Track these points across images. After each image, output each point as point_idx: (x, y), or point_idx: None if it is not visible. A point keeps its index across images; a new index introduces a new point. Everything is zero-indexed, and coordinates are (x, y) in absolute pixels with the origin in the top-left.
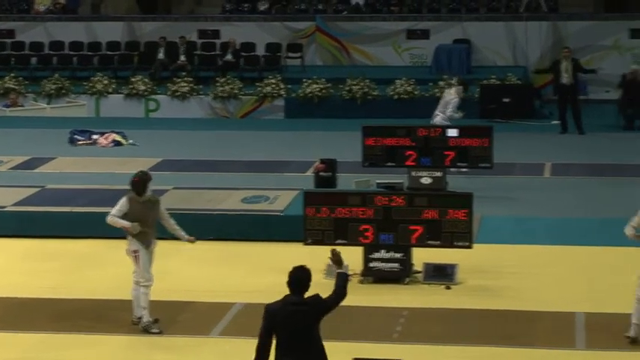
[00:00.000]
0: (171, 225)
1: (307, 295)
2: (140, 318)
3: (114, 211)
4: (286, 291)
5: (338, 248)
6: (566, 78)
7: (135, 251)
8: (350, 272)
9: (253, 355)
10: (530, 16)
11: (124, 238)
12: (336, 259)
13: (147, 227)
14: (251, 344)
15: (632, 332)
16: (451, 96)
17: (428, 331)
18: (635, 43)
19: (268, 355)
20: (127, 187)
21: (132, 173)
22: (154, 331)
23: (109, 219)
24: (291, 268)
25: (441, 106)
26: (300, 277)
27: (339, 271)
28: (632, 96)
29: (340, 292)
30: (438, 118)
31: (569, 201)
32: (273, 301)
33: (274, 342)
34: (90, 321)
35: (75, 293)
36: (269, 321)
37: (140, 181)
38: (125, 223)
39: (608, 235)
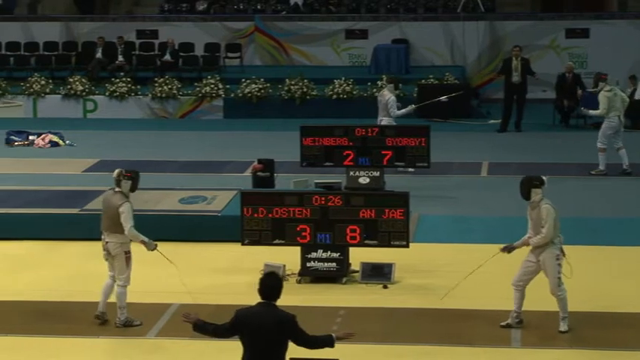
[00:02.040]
0: None
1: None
2: (118, 317)
3: (132, 222)
4: (221, 290)
5: (275, 247)
6: (516, 76)
7: (127, 252)
8: (288, 272)
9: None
10: (467, 16)
11: (60, 239)
12: (344, 337)
13: None
14: (188, 344)
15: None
16: (385, 97)
17: (365, 330)
18: (571, 43)
19: (221, 334)
20: (107, 188)
21: (69, 174)
22: (136, 323)
23: (133, 233)
24: (261, 275)
25: (381, 110)
26: (270, 284)
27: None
28: (567, 92)
29: (316, 343)
30: (384, 122)
31: (505, 200)
32: (208, 302)
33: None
34: (26, 323)
35: (10, 295)
36: (235, 323)
37: (138, 178)
38: (145, 239)
39: None
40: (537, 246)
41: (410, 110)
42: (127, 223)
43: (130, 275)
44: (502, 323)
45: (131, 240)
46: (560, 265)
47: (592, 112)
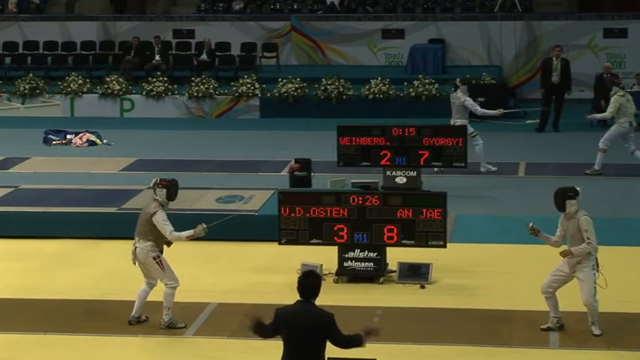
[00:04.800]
0: None
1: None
2: (162, 318)
3: (169, 226)
4: (258, 290)
5: (313, 246)
6: (555, 76)
7: (156, 257)
8: (325, 271)
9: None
10: (504, 16)
11: (97, 238)
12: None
13: None
14: (225, 343)
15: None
16: (460, 99)
17: (402, 330)
18: (608, 43)
19: (269, 335)
20: (145, 187)
21: (106, 173)
22: (179, 326)
23: (174, 236)
24: (300, 274)
25: (455, 112)
26: (309, 283)
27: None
28: (604, 92)
29: (349, 342)
30: (459, 124)
31: (543, 200)
32: (245, 301)
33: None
34: (64, 321)
35: (49, 293)
36: (276, 322)
37: (174, 187)
38: (189, 233)
39: None
40: (579, 255)
41: (499, 113)
42: (166, 230)
43: (173, 275)
44: (542, 326)
45: (151, 241)
46: (595, 274)
47: (598, 115)
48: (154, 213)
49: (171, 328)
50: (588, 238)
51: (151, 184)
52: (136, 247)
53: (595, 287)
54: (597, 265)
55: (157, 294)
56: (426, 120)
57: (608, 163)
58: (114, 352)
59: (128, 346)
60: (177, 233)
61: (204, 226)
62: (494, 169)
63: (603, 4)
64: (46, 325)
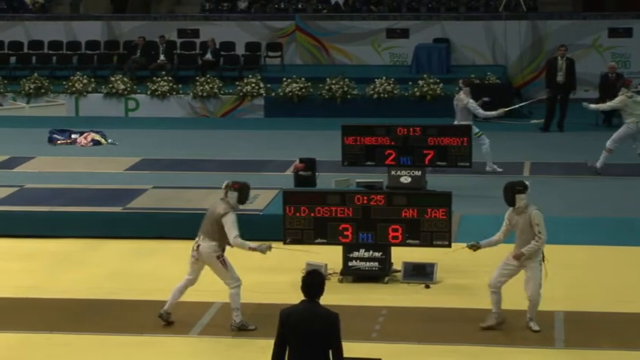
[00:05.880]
0: None
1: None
2: (233, 319)
3: (236, 231)
4: (263, 289)
5: (316, 247)
6: (560, 76)
7: (220, 256)
8: (329, 271)
9: None
10: (509, 16)
11: (102, 237)
12: None
13: None
14: (230, 343)
15: (490, 321)
16: (463, 101)
17: (407, 330)
18: (613, 42)
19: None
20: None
21: (111, 173)
22: (250, 328)
23: (238, 242)
24: (304, 273)
25: (459, 114)
26: (312, 282)
27: None
28: (609, 92)
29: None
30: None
31: (548, 200)
32: (249, 300)
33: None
34: (69, 320)
35: (54, 293)
36: (282, 325)
37: (247, 190)
38: (254, 245)
39: (587, 233)
40: (530, 253)
41: (500, 113)
42: (232, 233)
43: (235, 275)
44: (483, 325)
45: (215, 241)
46: (541, 269)
47: (592, 105)
48: (225, 214)
49: (242, 329)
50: (539, 232)
51: (223, 186)
52: (199, 245)
53: (541, 282)
54: (543, 258)
55: (158, 293)
56: (431, 120)
57: (609, 162)
58: (117, 352)
59: (132, 346)
60: (241, 240)
61: (270, 246)
62: (500, 170)
63: (608, 4)
64: (50, 324)
